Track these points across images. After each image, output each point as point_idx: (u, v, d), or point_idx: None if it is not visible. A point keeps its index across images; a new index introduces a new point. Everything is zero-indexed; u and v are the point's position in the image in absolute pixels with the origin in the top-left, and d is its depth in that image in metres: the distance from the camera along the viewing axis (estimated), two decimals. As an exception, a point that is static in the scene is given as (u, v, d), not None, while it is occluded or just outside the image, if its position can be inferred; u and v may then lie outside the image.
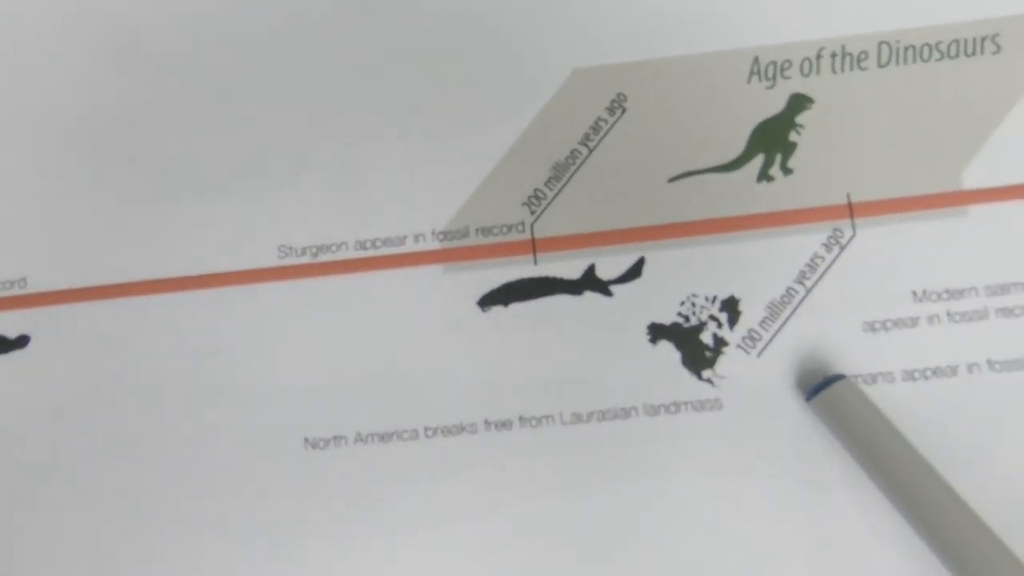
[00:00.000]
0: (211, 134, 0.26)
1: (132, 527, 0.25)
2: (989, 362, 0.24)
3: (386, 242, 0.25)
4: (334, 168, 0.26)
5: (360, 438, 0.25)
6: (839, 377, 0.23)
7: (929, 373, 0.24)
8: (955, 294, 0.24)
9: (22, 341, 0.26)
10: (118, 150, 0.26)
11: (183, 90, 0.26)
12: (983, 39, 0.25)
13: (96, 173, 0.26)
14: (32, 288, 0.26)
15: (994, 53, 0.25)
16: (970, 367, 0.24)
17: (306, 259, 0.25)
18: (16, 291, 0.26)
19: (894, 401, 0.24)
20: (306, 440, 0.25)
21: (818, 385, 0.23)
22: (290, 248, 0.26)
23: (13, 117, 0.26)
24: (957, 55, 0.25)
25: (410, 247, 0.25)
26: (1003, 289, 0.24)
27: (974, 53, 0.25)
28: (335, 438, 0.25)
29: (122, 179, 0.26)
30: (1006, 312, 0.24)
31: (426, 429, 0.25)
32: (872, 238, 0.25)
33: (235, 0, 0.26)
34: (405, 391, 0.25)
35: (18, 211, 0.26)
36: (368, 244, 0.25)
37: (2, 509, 0.25)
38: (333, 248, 0.26)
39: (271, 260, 0.25)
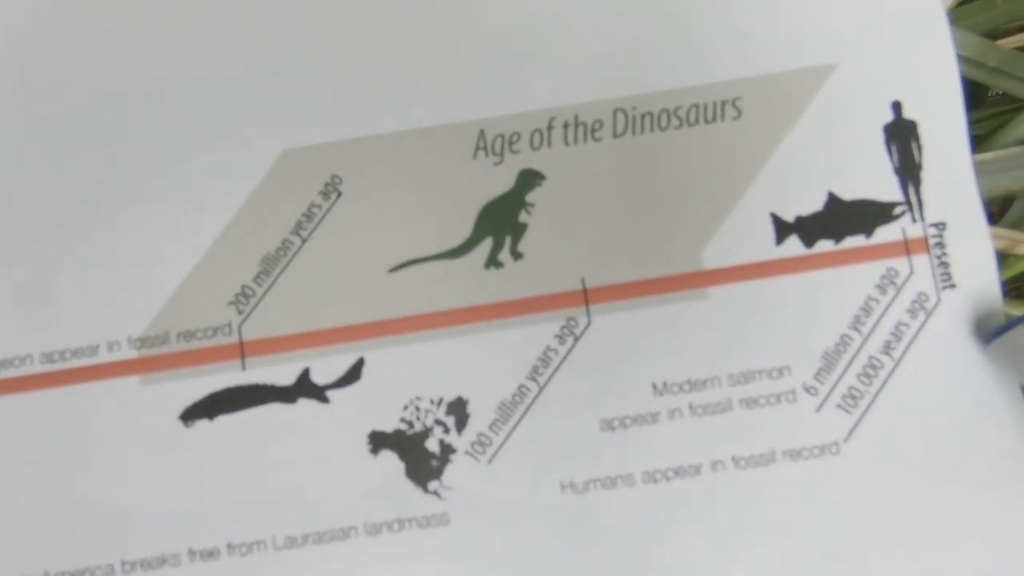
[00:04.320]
0: None
1: None
2: (734, 459, 0.22)
3: (76, 353, 0.23)
4: (12, 271, 0.23)
5: (49, 578, 0.22)
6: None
7: (671, 473, 0.22)
8: (697, 385, 0.23)
9: None
10: None
11: None
12: (724, 103, 0.24)
13: None
14: None
15: (735, 119, 0.23)
16: (714, 465, 0.22)
17: (-15, 376, 0.23)
18: None
19: (634, 506, 0.22)
20: (-14, 584, 0.22)
21: (1002, 328, 0.22)
22: (-34, 364, 0.23)
23: None
24: (697, 122, 0.23)
25: (103, 357, 0.23)
26: (746, 377, 0.23)
27: (714, 119, 0.23)
28: (19, 579, 0.22)
29: None
30: (750, 403, 0.23)
31: (123, 563, 0.22)
32: (608, 326, 0.23)
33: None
34: (98, 522, 0.22)
35: None
36: (56, 356, 0.23)
37: None
38: (16, 363, 0.23)
39: (-56, 379, 0.23)
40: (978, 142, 0.25)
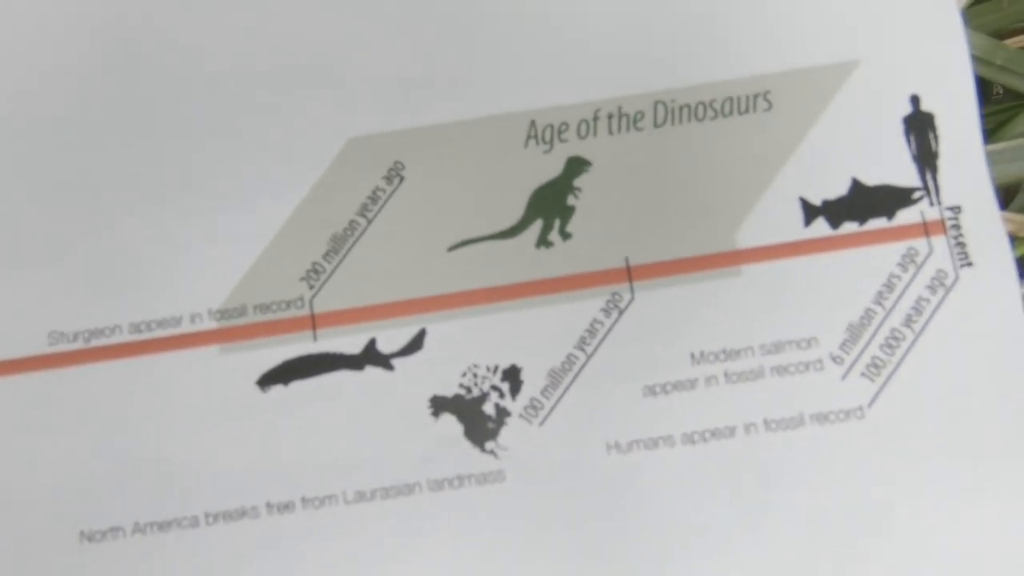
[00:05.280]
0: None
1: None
2: (766, 422, 0.24)
3: (161, 324, 0.25)
4: (103, 248, 0.25)
5: (138, 528, 0.24)
6: None
7: (708, 435, 0.24)
8: (731, 354, 0.24)
9: None
10: None
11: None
12: (755, 96, 0.25)
13: None
14: None
15: (766, 110, 0.25)
16: (747, 427, 0.24)
17: (78, 345, 0.25)
18: None
19: (673, 465, 0.24)
20: (82, 533, 0.24)
21: None
22: (61, 334, 0.25)
23: None
24: (731, 113, 0.25)
25: (186, 328, 0.25)
26: (777, 347, 0.24)
27: (747, 111, 0.25)
28: (112, 529, 0.24)
29: None
30: (780, 370, 0.24)
31: (206, 515, 0.24)
32: (650, 301, 0.25)
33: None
34: (184, 477, 0.24)
35: None
36: (143, 327, 0.25)
37: None
38: (106, 332, 0.25)
39: (40, 347, 0.25)
40: (988, 134, 0.26)
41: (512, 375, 0.25)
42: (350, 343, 0.25)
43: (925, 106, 0.25)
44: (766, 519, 0.24)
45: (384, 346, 0.25)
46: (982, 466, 0.24)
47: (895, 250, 0.25)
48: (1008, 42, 0.27)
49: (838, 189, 0.25)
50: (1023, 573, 0.23)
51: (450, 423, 0.24)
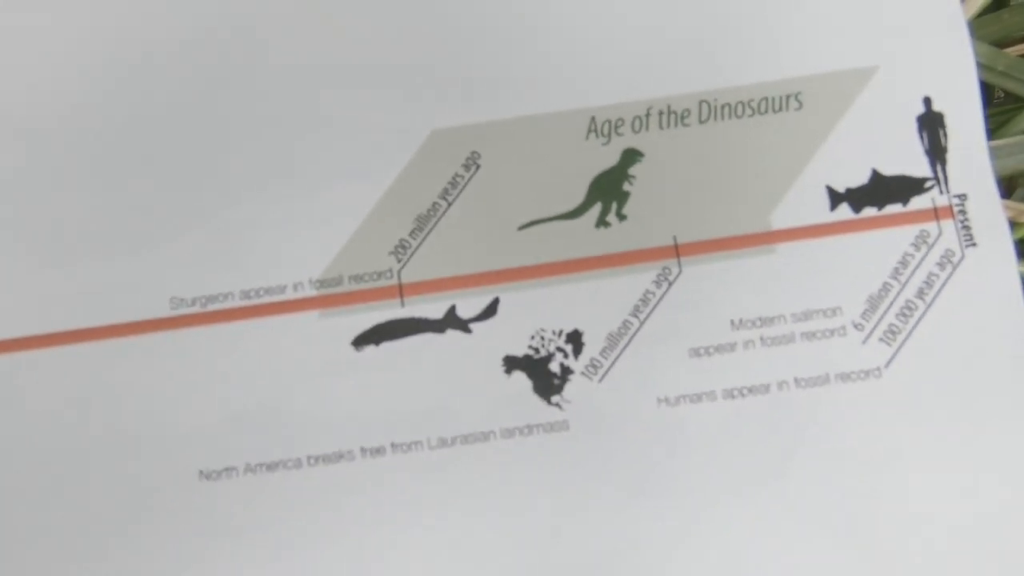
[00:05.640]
0: (99, 196, 0.28)
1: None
2: (796, 380, 0.27)
3: (268, 291, 0.28)
4: (216, 226, 0.28)
5: (250, 468, 0.27)
6: None
7: (745, 391, 0.27)
8: (766, 321, 0.28)
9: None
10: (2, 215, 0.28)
11: (64, 155, 0.28)
12: (787, 97, 0.28)
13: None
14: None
15: (797, 109, 0.28)
16: (779, 385, 0.27)
17: (196, 309, 0.28)
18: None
19: (715, 417, 0.27)
20: (200, 472, 0.27)
21: None
22: (181, 299, 0.28)
23: None
24: (766, 112, 0.28)
25: (290, 295, 0.28)
26: (806, 316, 0.27)
27: (780, 109, 0.28)
28: (227, 469, 0.27)
29: (8, 241, 0.28)
30: (809, 336, 0.27)
31: (308, 458, 0.27)
32: (695, 274, 0.28)
33: (104, 65, 0.28)
34: (288, 425, 0.27)
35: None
36: (252, 293, 0.28)
37: None
38: (220, 298, 0.28)
39: (163, 311, 0.28)
40: (990, 132, 0.28)
41: (575, 338, 0.28)
42: (433, 309, 0.28)
43: (936, 107, 0.28)
44: (795, 464, 0.27)
45: (463, 312, 0.28)
46: (982, 418, 0.27)
47: (909, 232, 0.28)
48: (1008, 50, 0.29)
49: (860, 178, 0.28)
50: (1015, 508, 0.27)
51: (520, 379, 0.27)
